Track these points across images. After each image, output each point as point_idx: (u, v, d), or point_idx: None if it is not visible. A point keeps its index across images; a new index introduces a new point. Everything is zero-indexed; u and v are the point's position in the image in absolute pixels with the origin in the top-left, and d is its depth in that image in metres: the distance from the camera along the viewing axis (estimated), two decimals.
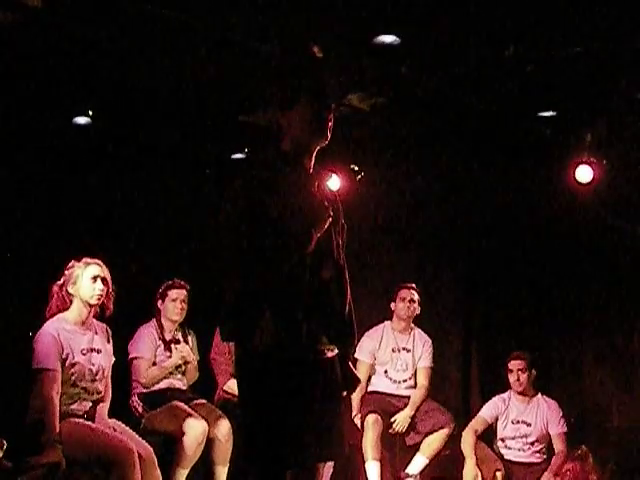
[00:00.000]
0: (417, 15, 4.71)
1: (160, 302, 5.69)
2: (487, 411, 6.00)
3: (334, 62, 5.17)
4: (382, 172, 6.83)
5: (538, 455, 5.90)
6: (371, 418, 6.05)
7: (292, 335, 3.14)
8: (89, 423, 4.58)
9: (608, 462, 5.83)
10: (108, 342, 4.82)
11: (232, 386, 5.74)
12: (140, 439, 4.72)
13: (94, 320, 4.76)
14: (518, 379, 5.90)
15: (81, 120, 5.74)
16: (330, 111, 3.30)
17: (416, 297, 6.38)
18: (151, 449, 4.68)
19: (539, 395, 5.97)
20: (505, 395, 6.01)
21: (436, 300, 7.09)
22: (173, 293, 5.67)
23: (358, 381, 3.51)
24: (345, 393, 3.42)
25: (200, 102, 5.65)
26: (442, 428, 6.10)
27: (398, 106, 5.95)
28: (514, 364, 5.93)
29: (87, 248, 4.91)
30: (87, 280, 4.63)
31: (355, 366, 3.77)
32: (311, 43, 4.98)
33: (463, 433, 5.92)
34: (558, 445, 5.84)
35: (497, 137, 6.24)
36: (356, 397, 6.18)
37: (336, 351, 3.30)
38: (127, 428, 4.80)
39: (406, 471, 6.11)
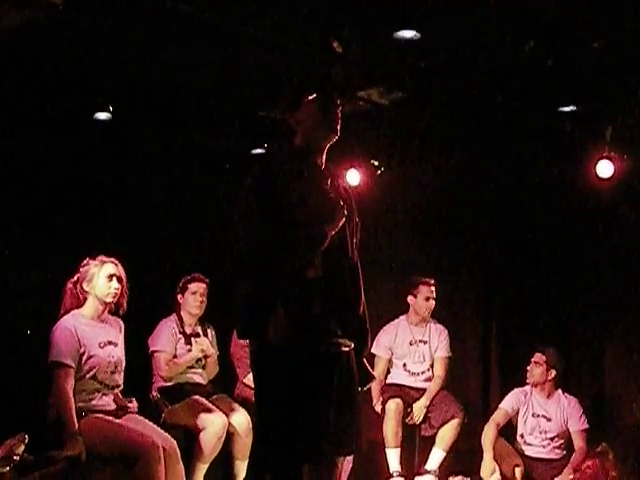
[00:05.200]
0: (437, 10, 4.69)
1: (180, 296, 5.72)
2: (508, 402, 5.99)
3: (354, 57, 5.17)
4: (402, 167, 6.82)
5: (558, 451, 5.88)
6: (392, 404, 6.11)
7: (306, 329, 3.16)
8: (112, 419, 4.60)
9: (628, 459, 5.80)
10: (120, 334, 4.85)
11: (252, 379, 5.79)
12: (164, 432, 4.75)
13: (108, 315, 4.80)
14: (532, 370, 5.91)
15: (102, 116, 5.77)
16: (337, 106, 3.31)
17: (434, 293, 6.42)
18: (174, 442, 4.71)
19: (559, 391, 5.96)
20: (526, 388, 6.01)
21: (456, 296, 7.09)
22: (193, 286, 5.70)
23: (372, 377, 3.55)
24: (359, 389, 3.44)
25: (220, 97, 5.66)
26: (453, 418, 6.15)
27: (418, 101, 5.94)
28: (535, 356, 5.93)
29: (105, 243, 4.95)
30: (103, 278, 4.66)
31: (372, 361, 3.78)
32: (331, 38, 4.99)
33: (485, 427, 5.90)
34: (578, 442, 5.82)
35: (517, 132, 6.21)
36: (375, 388, 6.24)
37: (352, 345, 3.32)
38: (150, 422, 4.82)
39: (425, 467, 6.13)
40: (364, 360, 3.45)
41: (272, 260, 3.11)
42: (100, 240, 5.28)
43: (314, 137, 3.32)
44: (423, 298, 6.39)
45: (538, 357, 5.92)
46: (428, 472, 6.09)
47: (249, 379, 5.82)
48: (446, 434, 6.13)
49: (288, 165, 3.27)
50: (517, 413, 5.95)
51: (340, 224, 3.22)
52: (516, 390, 6.04)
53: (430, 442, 6.21)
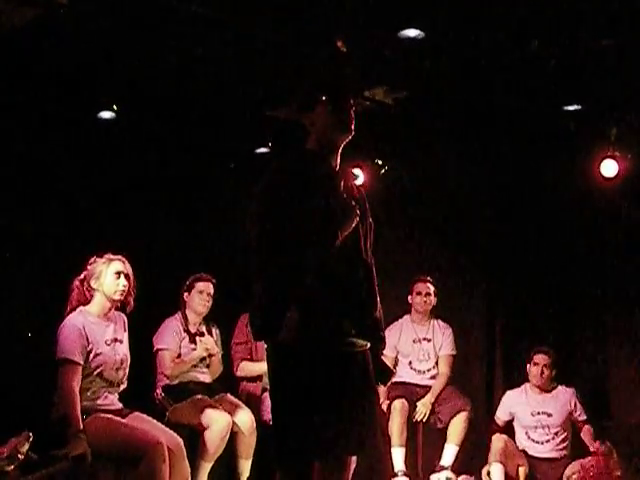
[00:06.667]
0: (441, 9, 4.70)
1: (186, 294, 5.71)
2: (502, 410, 6.10)
3: (358, 56, 5.17)
4: (406, 166, 6.83)
5: (562, 446, 5.86)
6: (398, 403, 6.18)
7: (319, 330, 3.16)
8: (117, 418, 4.59)
9: (632, 458, 5.80)
10: (124, 331, 4.85)
11: (244, 367, 5.91)
12: (169, 431, 4.74)
13: (114, 311, 4.80)
14: (542, 373, 5.90)
15: (106, 115, 5.77)
16: (351, 106, 3.31)
17: (432, 290, 6.51)
18: (180, 440, 4.69)
19: (557, 386, 5.98)
20: (520, 388, 6.05)
21: (459, 295, 7.09)
22: (200, 285, 5.69)
23: (392, 373, 3.57)
24: (380, 386, 3.46)
25: (225, 97, 5.67)
26: (461, 411, 6.20)
27: (422, 100, 5.95)
28: (541, 358, 5.92)
29: (111, 242, 4.94)
30: (111, 276, 4.66)
31: None
32: (336, 37, 4.99)
33: (493, 438, 5.90)
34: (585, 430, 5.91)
35: (522, 131, 6.21)
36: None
37: (367, 345, 3.32)
38: (155, 421, 4.81)
39: (440, 463, 6.18)
40: (382, 357, 3.46)
41: (285, 261, 3.10)
42: (106, 238, 5.28)
43: (328, 138, 3.31)
44: (419, 294, 6.49)
45: (544, 359, 5.91)
46: (445, 468, 6.13)
47: (241, 369, 5.96)
48: (456, 428, 6.19)
49: (302, 166, 3.26)
50: (514, 415, 5.99)
51: (353, 225, 3.22)
52: (509, 393, 6.11)
53: (438, 439, 6.26)
